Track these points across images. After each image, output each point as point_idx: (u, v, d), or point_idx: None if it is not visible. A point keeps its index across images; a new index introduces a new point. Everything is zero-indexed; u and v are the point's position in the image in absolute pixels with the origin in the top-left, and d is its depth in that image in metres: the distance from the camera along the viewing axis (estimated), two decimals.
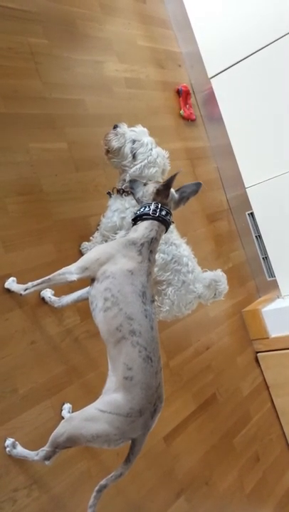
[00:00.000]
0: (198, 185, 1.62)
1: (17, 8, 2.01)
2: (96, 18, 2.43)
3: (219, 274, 1.93)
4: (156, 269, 1.85)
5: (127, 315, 1.36)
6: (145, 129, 1.85)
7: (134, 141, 1.78)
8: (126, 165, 1.79)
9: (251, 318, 2.87)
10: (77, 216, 2.01)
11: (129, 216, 1.79)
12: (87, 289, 1.57)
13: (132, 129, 1.82)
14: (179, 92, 2.86)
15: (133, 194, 1.62)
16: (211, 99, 2.93)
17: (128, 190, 1.77)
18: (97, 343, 1.81)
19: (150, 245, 1.46)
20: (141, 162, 1.77)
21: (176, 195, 1.60)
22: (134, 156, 1.78)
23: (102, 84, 2.34)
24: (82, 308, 1.85)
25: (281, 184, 2.75)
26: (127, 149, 1.78)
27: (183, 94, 2.86)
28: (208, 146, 3.04)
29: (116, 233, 1.84)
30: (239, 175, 2.90)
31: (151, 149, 1.79)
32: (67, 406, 1.72)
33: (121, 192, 1.83)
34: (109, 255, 1.44)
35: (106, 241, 1.89)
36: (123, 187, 1.82)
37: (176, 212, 2.56)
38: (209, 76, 2.83)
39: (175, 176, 1.50)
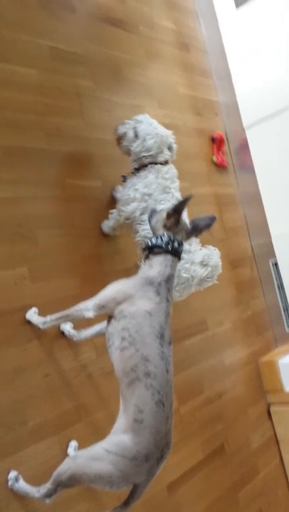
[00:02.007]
0: (213, 218, 1.58)
1: (68, 50, 2.11)
2: (140, 64, 2.53)
3: (211, 248, 1.92)
4: None
5: (144, 356, 1.36)
6: (147, 115, 1.98)
7: (136, 123, 1.93)
8: (131, 145, 1.92)
9: (267, 369, 2.82)
10: (104, 252, 2.04)
11: (141, 188, 1.87)
12: (105, 323, 1.58)
13: (135, 116, 1.98)
14: (213, 140, 2.93)
15: (150, 222, 1.60)
16: (243, 148, 2.98)
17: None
18: (109, 382, 1.81)
19: (167, 283, 1.45)
20: (142, 137, 1.90)
21: (189, 226, 1.56)
22: (136, 135, 1.91)
23: None
24: (99, 344, 1.86)
25: None
26: (131, 131, 1.92)
27: (217, 142, 2.93)
28: (237, 193, 3.08)
29: (129, 205, 1.90)
30: (266, 223, 2.92)
31: (151, 124, 1.93)
32: (73, 444, 1.70)
33: (133, 171, 1.96)
34: (126, 295, 1.44)
35: (120, 216, 1.94)
36: (133, 167, 1.96)
37: None
38: (244, 126, 2.89)
39: (186, 200, 1.47)
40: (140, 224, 1.89)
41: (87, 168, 2.06)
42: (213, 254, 1.91)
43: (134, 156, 1.94)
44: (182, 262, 1.81)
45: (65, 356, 1.78)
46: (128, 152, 1.97)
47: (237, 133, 3.01)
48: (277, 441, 2.84)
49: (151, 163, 1.90)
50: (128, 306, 1.43)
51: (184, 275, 1.85)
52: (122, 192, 1.96)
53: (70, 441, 1.71)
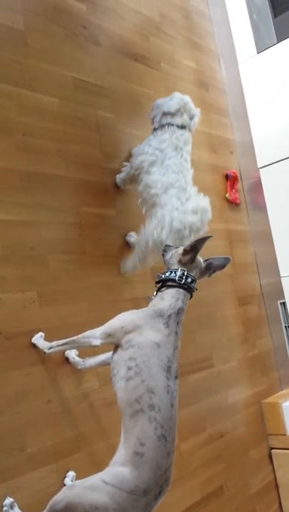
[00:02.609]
0: (227, 260, 1.61)
1: (91, 82, 2.18)
2: None
3: (199, 196, 1.98)
4: (155, 190, 1.91)
5: (149, 388, 1.34)
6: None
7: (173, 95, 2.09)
8: (157, 104, 2.09)
9: (270, 411, 2.77)
10: (113, 281, 2.04)
11: (154, 143, 1.98)
12: (110, 353, 1.57)
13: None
14: (227, 177, 2.97)
15: (164, 256, 1.63)
16: (257, 187, 3.01)
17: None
18: (111, 412, 1.78)
19: (177, 316, 1.46)
20: (169, 98, 2.06)
21: (203, 264, 1.59)
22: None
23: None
24: (102, 373, 1.84)
25: None
26: (164, 99, 2.08)
27: (231, 179, 2.96)
28: (248, 231, 3.09)
29: (140, 156, 2.00)
30: (275, 263, 2.91)
31: (183, 95, 2.07)
32: (71, 474, 1.67)
33: (152, 132, 2.09)
34: (136, 325, 1.44)
35: (131, 168, 2.05)
36: (152, 128, 2.09)
37: (209, 289, 2.59)
38: (259, 166, 2.93)
39: (204, 239, 1.49)
40: (146, 174, 1.96)
41: (101, 197, 2.08)
42: (200, 199, 1.96)
43: (155, 111, 2.07)
44: (176, 212, 1.84)
45: (68, 383, 1.76)
46: (153, 118, 2.09)
47: (251, 172, 3.05)
48: (277, 486, 2.76)
49: (169, 124, 2.00)
50: (136, 335, 1.42)
51: (177, 225, 1.84)
52: (137, 147, 2.06)
53: (68, 471, 1.67)
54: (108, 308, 1.95)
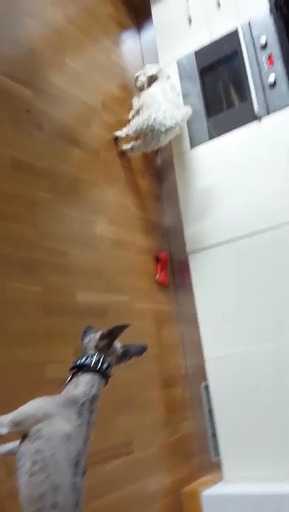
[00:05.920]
0: (144, 348, 1.63)
1: (30, 163, 2.24)
2: (98, 184, 2.70)
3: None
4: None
5: (54, 484, 1.24)
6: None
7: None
8: None
9: (189, 501, 2.69)
10: (35, 361, 2.00)
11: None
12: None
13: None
14: (157, 259, 3.07)
15: (82, 340, 1.61)
16: (185, 270, 3.13)
17: None
18: (17, 505, 1.66)
19: (91, 405, 1.42)
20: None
21: (120, 351, 1.60)
22: None
23: (90, 241, 2.51)
24: (11, 462, 1.72)
25: (239, 362, 2.81)
26: None
27: (161, 262, 3.07)
28: (175, 312, 3.16)
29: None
30: (200, 344, 2.98)
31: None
32: None
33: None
34: (47, 414, 1.37)
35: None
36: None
37: (133, 370, 2.58)
38: (188, 251, 3.07)
39: (121, 327, 1.52)
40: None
41: (30, 273, 2.08)
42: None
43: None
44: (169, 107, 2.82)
45: None
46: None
47: (181, 255, 3.18)
48: None
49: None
50: (46, 425, 1.35)
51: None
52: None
53: None
54: (26, 389, 1.89)
